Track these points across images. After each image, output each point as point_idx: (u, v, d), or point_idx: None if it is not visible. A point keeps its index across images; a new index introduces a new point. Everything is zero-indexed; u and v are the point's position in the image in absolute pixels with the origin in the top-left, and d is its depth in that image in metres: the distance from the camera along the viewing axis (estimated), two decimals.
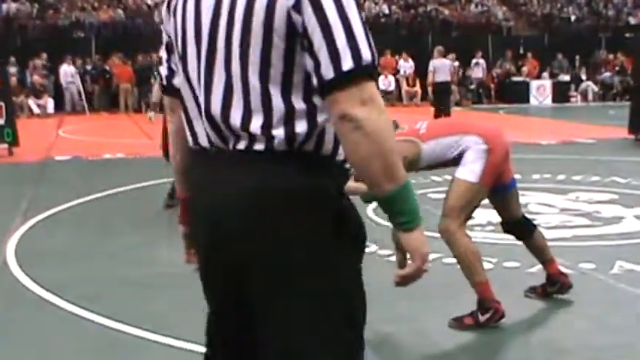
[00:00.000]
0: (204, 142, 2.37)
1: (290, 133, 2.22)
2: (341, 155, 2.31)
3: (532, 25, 35.70)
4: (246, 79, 2.23)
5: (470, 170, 5.41)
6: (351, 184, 6.09)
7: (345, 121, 2.14)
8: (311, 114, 2.24)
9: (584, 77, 32.53)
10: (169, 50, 2.54)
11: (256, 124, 2.23)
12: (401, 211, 2.26)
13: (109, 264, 7.37)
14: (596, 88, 32.19)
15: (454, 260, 7.14)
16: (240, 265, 2.30)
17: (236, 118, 2.25)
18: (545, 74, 32.32)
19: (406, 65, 30.64)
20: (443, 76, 20.41)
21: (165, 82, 2.60)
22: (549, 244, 7.67)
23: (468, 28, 33.63)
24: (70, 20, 31.06)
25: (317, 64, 2.15)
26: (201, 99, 2.33)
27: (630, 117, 17.66)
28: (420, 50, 29.90)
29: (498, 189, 5.60)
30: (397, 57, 31.16)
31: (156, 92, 10.76)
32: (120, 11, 31.45)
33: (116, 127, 22.36)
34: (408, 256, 2.38)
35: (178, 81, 2.48)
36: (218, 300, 2.52)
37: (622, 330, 5.36)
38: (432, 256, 6.84)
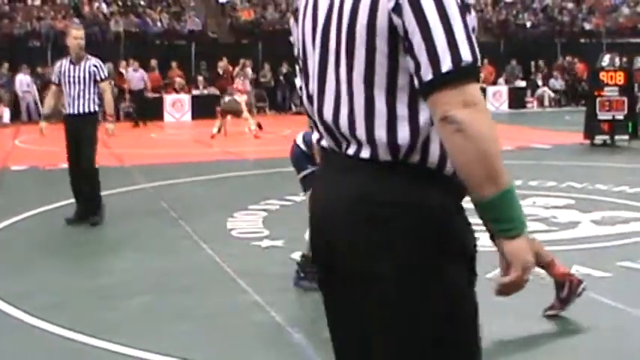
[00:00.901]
0: (325, 142, 2.38)
1: (393, 140, 2.18)
2: (450, 169, 2.21)
3: (488, 32, 35.92)
4: (352, 83, 2.22)
5: None
6: None
7: (445, 123, 2.09)
8: (414, 119, 2.20)
9: (540, 83, 32.80)
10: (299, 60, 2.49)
11: (361, 129, 2.22)
12: (503, 218, 2.14)
13: (67, 275, 7.34)
14: (552, 94, 32.48)
15: None
16: (347, 273, 2.27)
17: (344, 122, 2.25)
18: (501, 80, 32.56)
19: None
20: None
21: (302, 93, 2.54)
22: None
23: None
24: (25, 29, 30.82)
25: (417, 66, 2.12)
26: (316, 102, 2.34)
27: (585, 122, 17.86)
28: None
29: None
30: None
31: (49, 101, 10.17)
32: (76, 20, 31.22)
33: None
34: None
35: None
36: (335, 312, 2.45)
37: (576, 332, 5.42)
38: None
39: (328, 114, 2.29)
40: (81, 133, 9.63)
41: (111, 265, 7.56)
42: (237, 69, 28.78)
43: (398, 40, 2.15)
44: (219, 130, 20.81)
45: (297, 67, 2.57)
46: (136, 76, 26.76)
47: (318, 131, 2.40)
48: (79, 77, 9.59)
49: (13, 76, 28.42)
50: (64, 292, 6.72)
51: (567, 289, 5.69)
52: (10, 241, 8.79)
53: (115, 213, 10.17)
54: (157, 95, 28.25)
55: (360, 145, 2.23)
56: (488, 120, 2.12)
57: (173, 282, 6.97)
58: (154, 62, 28.90)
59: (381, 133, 2.20)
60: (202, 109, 27.51)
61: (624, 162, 14.95)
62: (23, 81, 28.27)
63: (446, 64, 2.08)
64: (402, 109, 2.19)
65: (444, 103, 2.09)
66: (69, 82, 9.60)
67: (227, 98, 21.75)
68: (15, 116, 27.92)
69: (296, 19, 2.46)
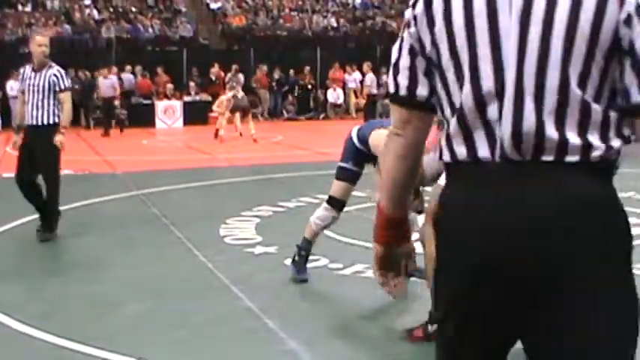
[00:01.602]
0: (484, 153, 2.20)
1: (605, 147, 2.14)
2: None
3: None
4: (567, 90, 2.12)
5: None
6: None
7: None
8: (620, 128, 2.18)
9: None
10: (414, 55, 2.34)
11: (574, 135, 2.13)
12: None
13: (58, 282, 7.30)
14: None
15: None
16: (562, 285, 2.13)
17: (551, 128, 2.13)
18: None
19: (353, 78, 30.72)
20: (374, 89, 22.24)
21: (404, 93, 2.37)
22: None
23: None
24: (16, 36, 30.77)
25: (638, 82, 2.12)
26: (507, 107, 2.15)
27: None
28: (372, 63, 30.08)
29: None
30: (346, 70, 31.21)
31: (20, 110, 9.40)
32: (67, 26, 31.22)
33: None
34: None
35: (424, 91, 2.34)
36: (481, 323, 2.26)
37: None
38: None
39: (529, 120, 2.13)
40: (36, 146, 8.94)
41: (104, 273, 7.52)
42: (229, 75, 28.83)
43: (615, 52, 2.12)
44: (238, 133, 20.87)
45: (401, 64, 2.37)
46: (105, 83, 26.03)
47: (471, 142, 2.22)
48: (38, 86, 9.04)
49: (4, 82, 28.35)
50: (56, 300, 6.70)
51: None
52: (1, 248, 8.75)
53: (107, 220, 10.17)
54: (148, 102, 28.21)
55: (565, 150, 2.13)
56: None
57: (167, 289, 6.95)
58: (138, 68, 28.94)
59: (595, 139, 2.14)
60: (194, 115, 27.53)
61: (629, 167, 14.89)
62: (14, 87, 28.17)
63: None
64: (613, 116, 2.17)
65: None
66: (29, 90, 9.07)
67: (240, 94, 21.71)
68: (6, 123, 27.83)
69: (427, 8, 2.28)
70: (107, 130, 25.13)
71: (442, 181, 5.33)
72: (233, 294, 6.69)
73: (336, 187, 6.86)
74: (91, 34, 30.90)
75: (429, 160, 5.50)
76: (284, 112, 29.87)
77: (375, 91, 23.81)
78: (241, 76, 29.33)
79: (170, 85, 28.68)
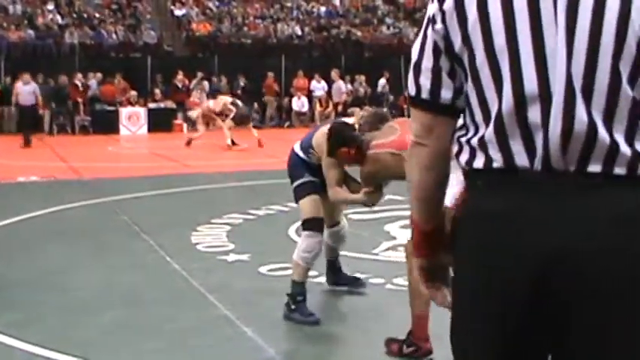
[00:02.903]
0: (522, 161, 2.06)
1: None
2: None
3: None
4: (618, 90, 1.99)
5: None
6: (347, 195, 6.08)
7: None
8: None
9: None
10: (437, 54, 2.18)
11: (623, 142, 2.01)
12: None
13: (31, 290, 7.22)
14: None
15: (382, 280, 7.24)
16: (589, 293, 2.02)
17: (603, 132, 2.00)
18: None
19: (319, 86, 30.75)
20: (337, 98, 22.40)
21: (427, 96, 2.21)
22: None
23: (381, 50, 33.94)
24: None
25: None
26: (555, 109, 2.00)
27: None
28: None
29: None
30: (314, 78, 31.23)
31: None
32: (30, 32, 30.97)
33: (29, 150, 21.91)
34: None
35: (449, 93, 2.19)
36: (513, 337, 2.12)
37: None
38: (359, 276, 6.89)
39: (580, 125, 1.99)
40: None
41: (77, 281, 7.46)
42: (193, 82, 28.75)
43: None
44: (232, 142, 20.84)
45: (424, 65, 2.22)
46: (25, 90, 24.26)
47: (507, 150, 2.08)
48: None
49: None
50: (31, 308, 6.62)
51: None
52: None
53: (77, 227, 10.11)
54: (112, 108, 28.05)
55: (612, 158, 2.01)
56: None
57: (142, 297, 6.91)
58: (99, 75, 28.83)
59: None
60: (158, 122, 27.39)
61: None
62: None
63: None
64: None
65: None
66: None
67: (240, 103, 21.75)
68: None
69: (457, 4, 2.11)
70: (27, 140, 22.66)
71: (452, 187, 5.28)
72: (209, 302, 6.68)
73: (304, 207, 6.33)
74: (54, 39, 30.66)
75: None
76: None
77: (339, 99, 23.87)
78: (206, 84, 29.26)
79: (134, 92, 28.54)
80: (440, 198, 2.33)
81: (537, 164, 2.04)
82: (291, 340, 5.75)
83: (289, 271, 7.41)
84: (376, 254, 8.36)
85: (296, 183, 6.40)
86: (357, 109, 27.38)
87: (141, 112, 28.15)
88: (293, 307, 6.20)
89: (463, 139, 2.18)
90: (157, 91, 29.06)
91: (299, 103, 30.40)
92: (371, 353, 5.50)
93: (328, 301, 6.67)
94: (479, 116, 2.13)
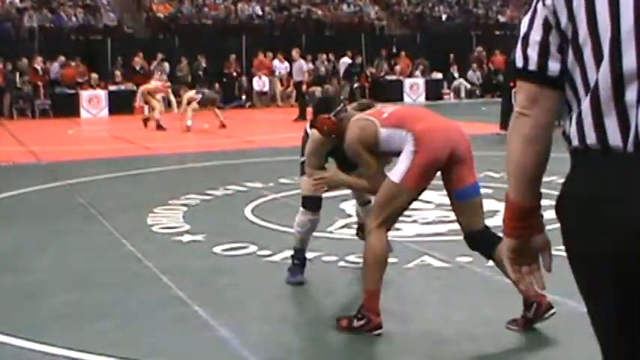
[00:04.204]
0: (615, 141, 2.06)
1: None
2: None
3: (404, 25, 36.22)
4: None
5: (396, 169, 5.26)
6: (351, 179, 6.00)
7: None
8: None
9: (456, 75, 33.15)
10: (547, 29, 2.20)
11: None
12: None
13: None
14: (468, 86, 32.87)
15: (335, 258, 7.28)
16: None
17: None
18: (418, 72, 32.85)
19: (281, 66, 30.69)
20: (298, 77, 22.66)
21: (534, 67, 2.22)
22: (427, 239, 7.86)
23: (342, 28, 33.93)
24: None
25: None
26: None
27: (502, 113, 18.20)
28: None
29: (456, 194, 5.45)
30: (272, 58, 31.15)
31: None
32: None
33: None
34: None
35: (556, 66, 2.20)
36: None
37: (497, 320, 5.52)
38: (310, 255, 6.93)
39: None
40: None
41: (31, 263, 7.45)
42: (154, 64, 28.60)
43: None
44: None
45: (531, 37, 2.24)
46: None
47: (602, 129, 2.09)
48: None
49: None
50: None
51: (535, 309, 5.35)
52: None
53: (33, 210, 10.08)
54: (73, 91, 27.85)
55: None
56: None
57: (95, 279, 6.91)
58: (62, 58, 28.56)
59: None
60: (119, 105, 27.25)
61: (553, 152, 15.18)
62: None
63: None
64: None
65: None
66: None
67: (206, 90, 21.74)
68: None
69: None
70: None
71: (401, 162, 5.31)
72: (162, 282, 6.68)
73: (303, 184, 6.48)
74: (12, 23, 30.36)
75: (385, 134, 5.49)
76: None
77: (301, 78, 23.92)
78: (167, 65, 29.15)
79: (95, 75, 28.34)
80: (539, 175, 2.31)
81: (630, 146, 2.04)
82: (244, 319, 5.77)
83: (243, 251, 7.47)
84: (330, 232, 8.39)
85: (302, 159, 6.46)
86: (318, 88, 27.75)
87: (102, 94, 28.00)
88: (289, 268, 6.61)
89: (566, 117, 2.21)
90: (118, 73, 28.87)
91: (260, 83, 30.34)
92: (320, 330, 5.54)
93: (280, 278, 6.69)
94: (581, 91, 2.15)
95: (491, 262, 5.65)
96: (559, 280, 6.60)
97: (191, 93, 21.51)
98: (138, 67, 28.83)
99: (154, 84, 22.29)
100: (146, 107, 23.12)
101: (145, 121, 21.45)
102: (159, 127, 21.04)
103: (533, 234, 2.33)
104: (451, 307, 5.90)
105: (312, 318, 5.89)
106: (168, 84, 23.24)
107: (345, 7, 35.79)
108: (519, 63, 2.24)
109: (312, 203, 6.45)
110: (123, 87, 28.61)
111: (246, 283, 6.73)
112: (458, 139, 5.40)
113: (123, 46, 30.18)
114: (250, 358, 4.99)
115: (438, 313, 5.84)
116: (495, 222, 8.53)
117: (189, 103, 20.74)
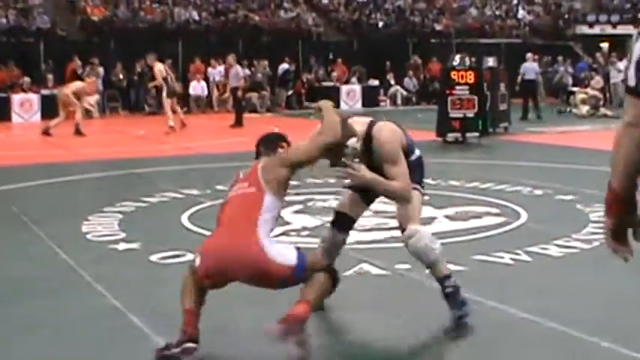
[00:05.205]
0: None
1: None
2: None
3: (341, 31, 36.30)
4: None
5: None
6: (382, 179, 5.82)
7: None
8: None
9: (392, 82, 33.34)
10: None
11: None
12: None
13: None
14: (404, 92, 33.06)
15: None
16: None
17: None
18: (354, 79, 32.96)
19: (216, 72, 30.58)
20: (234, 83, 23.08)
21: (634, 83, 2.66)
22: (365, 246, 7.85)
23: (279, 34, 33.89)
24: None
25: None
26: None
27: (438, 120, 18.36)
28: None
29: None
30: (210, 63, 31.02)
31: None
32: None
33: None
34: None
35: None
36: None
37: (435, 327, 5.54)
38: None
39: None
40: None
41: None
42: (87, 68, 28.28)
43: None
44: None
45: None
46: None
47: None
48: None
49: None
50: None
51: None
52: None
53: None
54: (4, 95, 27.43)
55: None
56: None
57: (27, 288, 6.78)
58: None
59: None
60: (52, 109, 26.81)
61: (475, 158, 15.40)
62: None
63: None
64: None
65: None
66: None
67: (175, 85, 21.85)
68: None
69: None
70: None
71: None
72: (97, 292, 6.59)
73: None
74: None
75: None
76: (146, 106, 29.40)
77: (237, 84, 23.79)
78: (101, 69, 28.87)
79: (27, 79, 27.94)
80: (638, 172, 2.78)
81: None
82: (179, 328, 5.70)
83: (180, 259, 7.39)
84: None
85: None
86: (254, 94, 27.62)
87: (34, 98, 27.61)
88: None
89: None
90: (50, 77, 28.48)
91: (198, 88, 30.20)
92: (258, 339, 5.51)
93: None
94: None
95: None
96: (496, 287, 6.67)
97: (161, 66, 21.44)
98: (80, 71, 28.35)
99: (80, 85, 21.90)
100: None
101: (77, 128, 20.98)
102: (77, 132, 20.54)
103: (630, 212, 2.85)
104: (389, 314, 5.90)
105: (251, 323, 5.84)
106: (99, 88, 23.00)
107: (282, 13, 35.78)
108: (631, 83, 2.65)
109: (334, 217, 6.17)
110: (56, 91, 28.22)
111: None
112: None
113: (56, 49, 29.79)
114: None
115: (377, 320, 5.84)
116: (434, 229, 8.60)
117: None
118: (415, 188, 5.70)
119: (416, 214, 5.65)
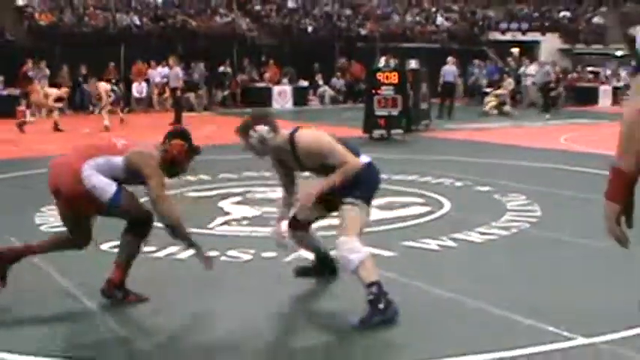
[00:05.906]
0: None
1: None
2: None
3: (273, 35, 36.23)
4: None
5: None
6: (324, 184, 5.76)
7: None
8: None
9: (321, 82, 33.43)
10: None
11: None
12: None
13: None
14: (332, 93, 33.16)
15: (217, 253, 7.23)
16: None
17: None
18: (285, 80, 32.95)
19: (157, 73, 30.32)
20: (174, 84, 23.29)
21: None
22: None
23: (215, 38, 33.70)
24: None
25: None
26: None
27: (364, 118, 18.47)
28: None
29: None
30: (150, 65, 30.76)
31: None
32: None
33: None
34: None
35: None
36: None
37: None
38: (191, 251, 6.82)
39: None
40: None
41: None
42: (36, 70, 27.87)
43: None
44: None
45: None
46: None
47: None
48: None
49: None
50: None
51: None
52: None
53: None
54: None
55: None
56: None
57: None
58: None
59: None
60: (1, 109, 26.39)
61: (400, 153, 15.49)
62: None
63: None
64: None
65: None
66: None
67: (116, 89, 22.64)
68: None
69: None
70: None
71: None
72: (52, 279, 6.50)
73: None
74: None
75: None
76: (90, 106, 29.00)
77: (176, 84, 23.63)
78: (47, 71, 28.46)
79: None
80: None
81: None
82: (131, 313, 5.67)
83: None
84: (211, 229, 8.32)
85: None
86: (192, 94, 27.59)
87: None
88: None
89: None
90: (0, 79, 27.97)
91: (139, 89, 29.94)
92: (204, 321, 5.49)
93: (166, 272, 6.59)
94: None
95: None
96: (423, 271, 6.73)
97: (107, 87, 22.26)
98: (30, 73, 27.82)
99: (52, 91, 22.26)
100: (27, 112, 22.61)
101: (21, 125, 20.84)
102: (56, 128, 20.89)
103: (631, 197, 2.88)
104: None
105: (202, 308, 5.81)
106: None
107: (218, 18, 35.61)
108: None
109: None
110: (5, 92, 27.75)
111: (134, 280, 6.59)
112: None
113: (4, 54, 29.23)
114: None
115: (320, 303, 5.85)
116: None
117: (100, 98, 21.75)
118: (353, 203, 5.62)
119: (351, 226, 5.55)
